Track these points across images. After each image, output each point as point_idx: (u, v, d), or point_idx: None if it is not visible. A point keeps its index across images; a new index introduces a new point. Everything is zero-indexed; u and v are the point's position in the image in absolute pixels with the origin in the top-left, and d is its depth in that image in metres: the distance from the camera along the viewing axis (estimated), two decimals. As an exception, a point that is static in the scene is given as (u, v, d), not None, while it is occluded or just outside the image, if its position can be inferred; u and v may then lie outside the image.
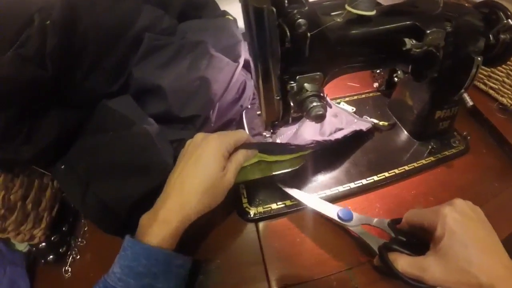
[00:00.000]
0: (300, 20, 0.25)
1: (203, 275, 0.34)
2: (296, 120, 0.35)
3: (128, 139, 0.36)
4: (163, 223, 0.29)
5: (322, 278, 0.33)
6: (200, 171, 0.30)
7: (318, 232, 0.37)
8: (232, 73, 0.40)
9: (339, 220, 0.34)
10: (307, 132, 0.41)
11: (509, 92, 0.50)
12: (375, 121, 0.47)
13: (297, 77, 0.29)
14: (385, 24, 0.32)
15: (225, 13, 0.46)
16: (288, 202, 0.38)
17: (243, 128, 0.46)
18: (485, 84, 0.54)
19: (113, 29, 0.36)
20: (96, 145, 0.36)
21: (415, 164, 0.43)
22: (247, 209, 0.38)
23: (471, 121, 0.50)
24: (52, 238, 0.41)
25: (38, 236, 0.41)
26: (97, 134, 0.37)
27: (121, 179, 0.34)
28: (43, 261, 0.40)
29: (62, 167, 0.35)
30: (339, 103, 0.51)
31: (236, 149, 0.33)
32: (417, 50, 0.33)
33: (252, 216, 0.38)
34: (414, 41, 0.32)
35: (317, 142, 0.38)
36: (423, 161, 0.44)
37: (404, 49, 0.32)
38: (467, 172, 0.44)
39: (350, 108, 0.49)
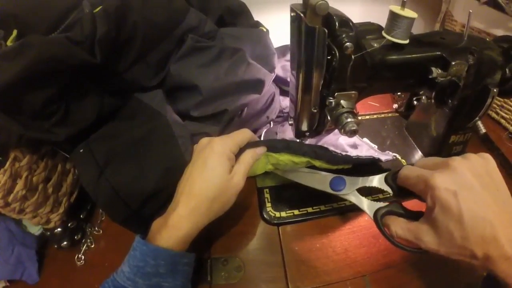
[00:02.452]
0: (348, 43, 0.31)
1: (225, 272, 0.38)
2: (328, 132, 0.40)
3: (150, 130, 0.38)
4: (172, 229, 0.30)
5: (339, 282, 0.37)
6: (207, 176, 0.32)
7: (337, 239, 0.41)
8: (268, 83, 0.45)
9: (332, 191, 0.34)
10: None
11: (520, 122, 0.56)
12: (398, 156, 0.50)
13: (336, 93, 0.35)
14: (416, 53, 0.38)
15: (258, 23, 0.50)
16: (310, 209, 0.43)
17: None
18: (497, 114, 0.61)
19: (161, 26, 0.39)
20: (119, 132, 0.38)
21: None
22: (270, 213, 0.43)
23: (482, 148, 0.56)
24: (69, 224, 0.43)
25: (54, 221, 0.43)
26: (121, 122, 0.40)
27: (138, 170, 0.36)
28: (56, 246, 0.42)
29: (81, 150, 0.37)
30: (362, 137, 0.53)
31: (242, 149, 0.35)
32: (442, 79, 0.38)
33: (275, 220, 0.42)
34: (439, 70, 0.38)
35: (335, 153, 0.40)
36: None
37: (430, 77, 0.38)
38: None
39: (373, 145, 0.52)
